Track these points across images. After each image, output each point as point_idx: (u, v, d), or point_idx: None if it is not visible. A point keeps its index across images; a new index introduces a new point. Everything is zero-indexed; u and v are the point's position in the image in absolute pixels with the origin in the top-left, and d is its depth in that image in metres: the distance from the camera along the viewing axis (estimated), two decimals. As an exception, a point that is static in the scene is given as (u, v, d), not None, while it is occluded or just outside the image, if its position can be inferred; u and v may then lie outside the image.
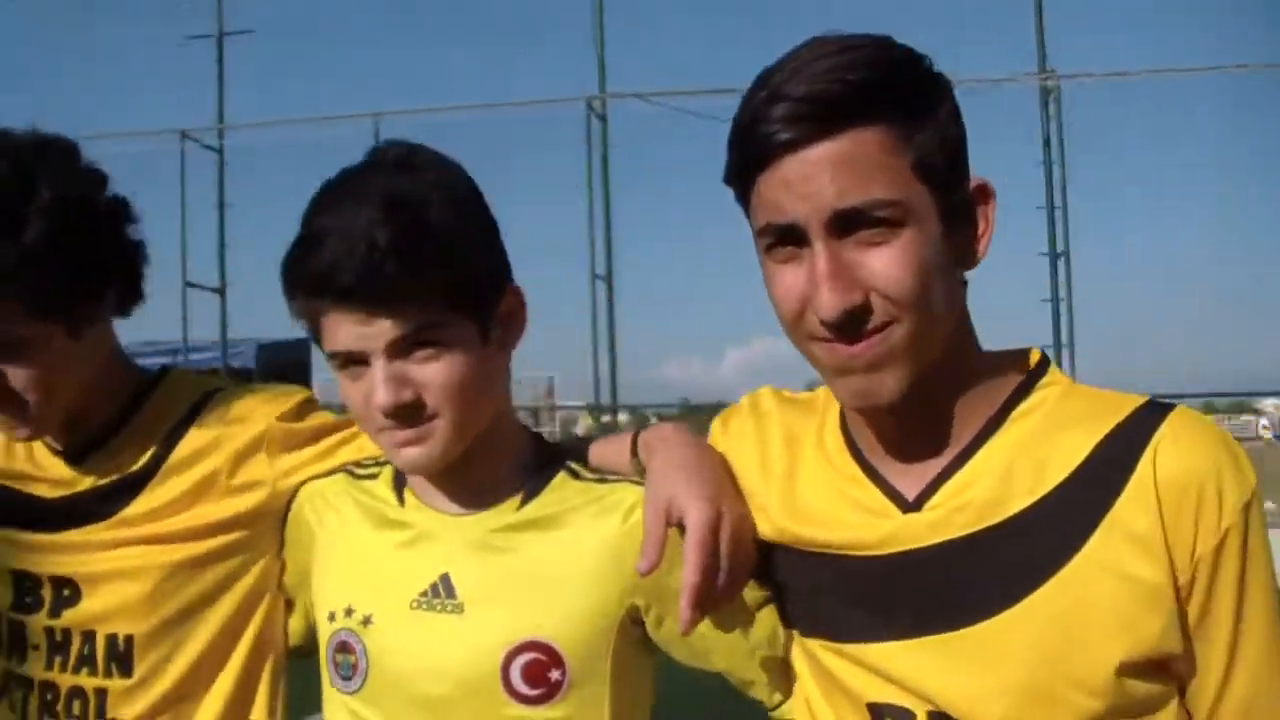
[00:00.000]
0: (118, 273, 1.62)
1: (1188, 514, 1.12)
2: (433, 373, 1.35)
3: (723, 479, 1.35)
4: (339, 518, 1.55)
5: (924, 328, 1.17)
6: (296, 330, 1.40)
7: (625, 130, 20.36)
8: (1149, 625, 1.12)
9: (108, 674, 1.59)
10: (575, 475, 1.46)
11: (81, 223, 1.53)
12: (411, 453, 1.39)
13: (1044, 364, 1.27)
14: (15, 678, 1.63)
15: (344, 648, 1.47)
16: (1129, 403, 1.19)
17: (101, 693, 1.59)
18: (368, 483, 1.55)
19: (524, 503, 1.44)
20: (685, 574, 1.24)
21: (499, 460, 1.47)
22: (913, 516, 1.22)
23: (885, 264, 1.14)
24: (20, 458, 1.69)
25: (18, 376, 1.52)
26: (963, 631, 1.18)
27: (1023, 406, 1.22)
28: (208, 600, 1.63)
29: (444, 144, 1.45)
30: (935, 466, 1.22)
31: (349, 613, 1.47)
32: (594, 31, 18.07)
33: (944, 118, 1.17)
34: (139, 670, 1.60)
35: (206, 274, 20.43)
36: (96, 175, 1.63)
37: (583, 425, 23.86)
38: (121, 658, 1.60)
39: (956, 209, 1.18)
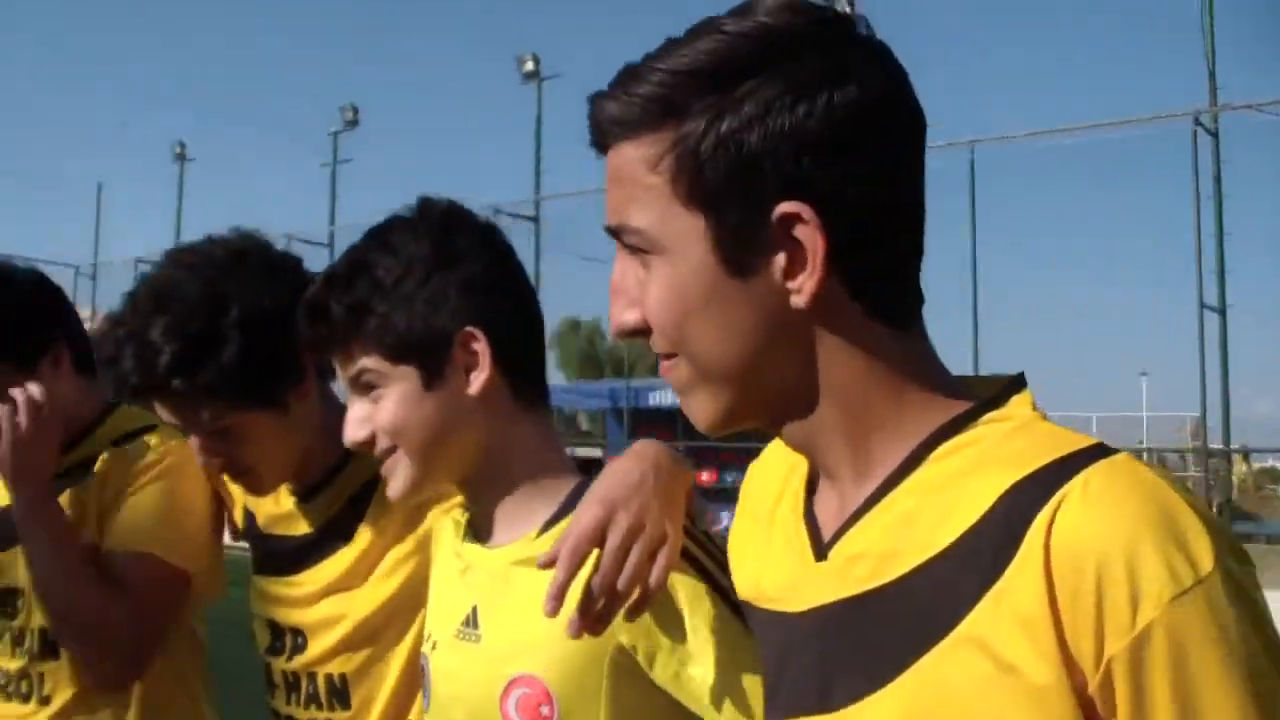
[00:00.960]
0: None
1: (1086, 599, 0.81)
2: (379, 413, 1.48)
3: (639, 488, 1.27)
4: (441, 548, 1.63)
5: (701, 368, 0.98)
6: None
7: (1238, 146, 18.98)
8: None
9: (331, 708, 1.78)
10: None
11: (273, 324, 1.72)
12: (389, 486, 1.52)
13: (1005, 395, 0.98)
14: (272, 711, 1.87)
15: (421, 670, 1.57)
16: (1065, 445, 0.89)
17: None
18: (459, 514, 1.62)
19: (538, 536, 1.44)
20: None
21: (513, 495, 1.50)
22: (820, 566, 1.00)
23: (649, 291, 0.98)
24: (271, 503, 1.91)
25: (240, 455, 1.80)
26: (834, 715, 0.94)
27: (950, 443, 0.95)
28: (396, 640, 1.76)
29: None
30: (853, 504, 0.99)
31: (428, 637, 1.57)
32: (1204, 44, 17.16)
33: (745, 114, 0.91)
34: (354, 703, 1.78)
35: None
36: (289, 266, 1.85)
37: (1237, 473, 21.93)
38: (339, 692, 1.78)
39: (742, 236, 0.93)
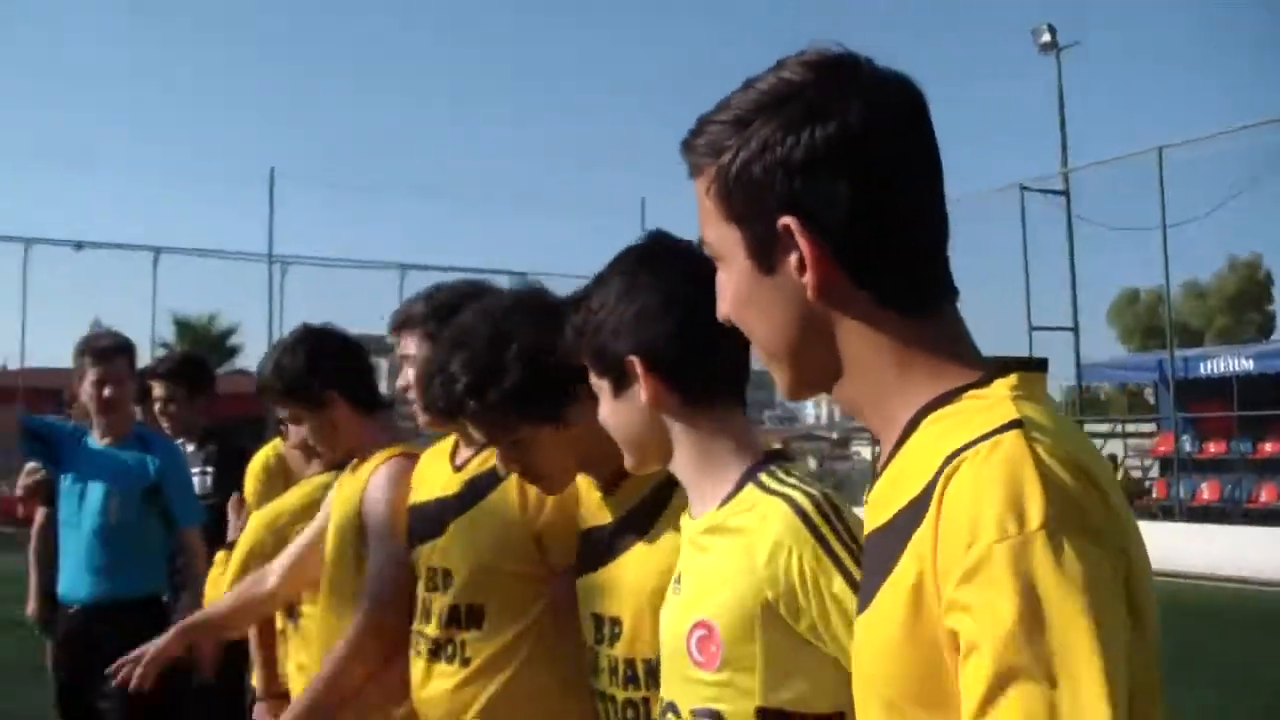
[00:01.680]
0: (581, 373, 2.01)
1: (948, 547, 0.98)
2: (599, 412, 1.87)
3: None
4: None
5: (762, 351, 1.23)
6: None
7: None
8: (923, 661, 1.00)
9: (648, 688, 1.95)
10: (760, 485, 1.69)
11: (548, 355, 2.04)
12: None
13: (999, 372, 1.11)
14: (596, 692, 2.07)
15: None
16: (998, 421, 1.03)
17: (646, 701, 1.97)
18: None
19: (719, 509, 1.72)
20: None
21: (701, 476, 1.78)
22: (866, 506, 1.21)
23: (723, 291, 1.24)
24: (582, 499, 2.19)
25: (531, 462, 2.18)
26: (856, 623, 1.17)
27: (937, 413, 1.11)
28: None
29: None
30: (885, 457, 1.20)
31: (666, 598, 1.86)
32: None
33: (752, 150, 1.14)
34: None
35: None
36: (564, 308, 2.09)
37: None
38: (655, 674, 1.89)
39: (764, 245, 1.16)
